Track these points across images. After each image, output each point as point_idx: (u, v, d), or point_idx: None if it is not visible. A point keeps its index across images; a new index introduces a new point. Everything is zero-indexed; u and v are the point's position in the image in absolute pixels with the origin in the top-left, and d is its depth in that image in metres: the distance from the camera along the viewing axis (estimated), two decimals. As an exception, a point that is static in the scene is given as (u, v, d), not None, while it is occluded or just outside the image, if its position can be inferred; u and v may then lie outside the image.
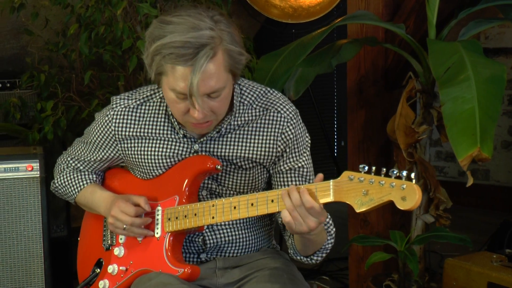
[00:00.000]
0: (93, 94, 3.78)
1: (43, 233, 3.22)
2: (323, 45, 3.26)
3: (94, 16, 3.51)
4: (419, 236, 3.19)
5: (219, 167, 2.22)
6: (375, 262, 3.19)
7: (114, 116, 2.32)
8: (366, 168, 1.91)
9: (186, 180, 2.24)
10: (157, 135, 2.30)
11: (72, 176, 2.47)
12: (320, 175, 2.02)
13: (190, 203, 2.22)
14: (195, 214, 2.18)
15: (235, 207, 2.11)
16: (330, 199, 1.96)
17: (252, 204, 2.09)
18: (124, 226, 2.25)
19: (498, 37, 5.64)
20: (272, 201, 2.06)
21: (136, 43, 3.50)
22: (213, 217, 2.15)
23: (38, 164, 3.21)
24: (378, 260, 3.16)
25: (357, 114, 3.64)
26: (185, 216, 2.20)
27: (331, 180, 1.96)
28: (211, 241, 2.31)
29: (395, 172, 1.86)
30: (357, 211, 1.90)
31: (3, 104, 3.73)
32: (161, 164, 2.30)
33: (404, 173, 1.85)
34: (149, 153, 2.30)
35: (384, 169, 1.88)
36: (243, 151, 2.25)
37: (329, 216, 2.29)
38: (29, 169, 3.20)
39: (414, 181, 1.83)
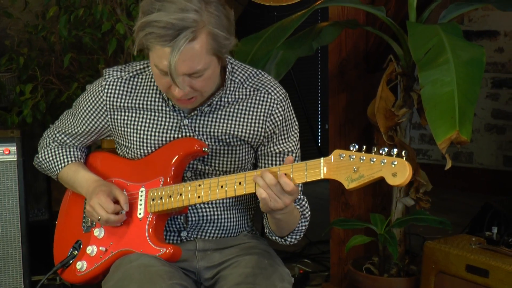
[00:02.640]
0: (73, 77, 3.76)
1: (20, 217, 3.21)
2: (306, 28, 3.24)
3: (74, -2, 3.49)
4: (399, 219, 3.20)
5: (206, 149, 2.23)
6: (356, 245, 3.19)
7: (107, 86, 2.32)
8: (357, 146, 1.91)
9: (172, 162, 2.23)
10: (148, 107, 2.30)
11: (57, 152, 2.46)
12: (290, 158, 2.03)
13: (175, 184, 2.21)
14: (181, 194, 2.17)
15: (222, 186, 2.11)
16: (320, 176, 1.96)
17: (240, 183, 2.08)
18: (99, 218, 2.26)
19: (482, 20, 5.63)
20: None
21: (115, 25, 3.48)
22: (199, 197, 2.14)
23: (15, 147, 3.18)
24: (358, 243, 3.17)
25: (338, 97, 3.63)
26: (170, 196, 2.19)
27: (322, 158, 1.96)
28: (193, 218, 2.30)
29: (385, 150, 1.86)
30: (347, 188, 1.90)
31: (-18, 87, 3.69)
32: (149, 140, 2.30)
33: (395, 150, 1.85)
34: (138, 125, 2.31)
35: (375, 148, 1.88)
36: (231, 128, 2.26)
37: (305, 199, 2.30)
38: (6, 152, 3.17)
39: (404, 158, 1.83)
